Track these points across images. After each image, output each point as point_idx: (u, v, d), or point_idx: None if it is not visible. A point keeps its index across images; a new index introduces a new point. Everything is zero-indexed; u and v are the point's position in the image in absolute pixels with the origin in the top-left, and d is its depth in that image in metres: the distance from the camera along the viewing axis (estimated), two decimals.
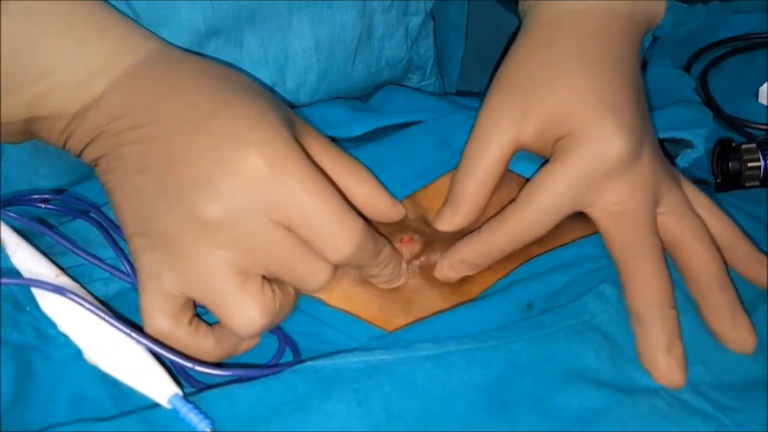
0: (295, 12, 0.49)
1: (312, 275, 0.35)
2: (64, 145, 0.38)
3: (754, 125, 0.56)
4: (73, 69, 0.36)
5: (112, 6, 0.40)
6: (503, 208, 0.40)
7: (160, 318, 0.35)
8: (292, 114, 0.39)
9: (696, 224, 0.40)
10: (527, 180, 0.40)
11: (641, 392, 0.35)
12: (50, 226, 0.40)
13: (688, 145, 0.48)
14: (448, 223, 0.42)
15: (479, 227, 0.40)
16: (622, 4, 0.43)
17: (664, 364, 0.36)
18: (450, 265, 0.40)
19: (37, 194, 0.42)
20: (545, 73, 0.40)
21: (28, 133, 0.40)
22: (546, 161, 0.40)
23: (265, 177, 0.34)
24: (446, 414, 0.33)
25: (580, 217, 0.40)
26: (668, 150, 0.50)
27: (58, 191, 0.49)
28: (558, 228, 0.39)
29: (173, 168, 0.34)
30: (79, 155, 0.38)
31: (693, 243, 0.39)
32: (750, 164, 0.50)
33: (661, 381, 0.36)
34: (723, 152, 0.52)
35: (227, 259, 0.34)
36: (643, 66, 0.64)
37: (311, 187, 0.34)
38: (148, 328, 0.34)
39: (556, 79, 0.40)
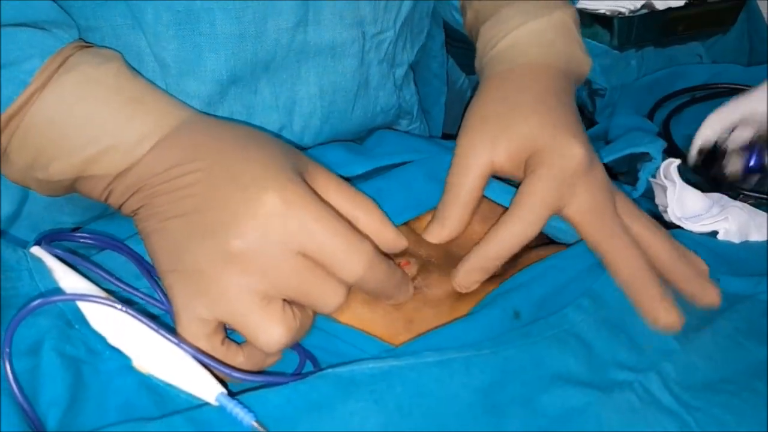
0: (303, 63, 0.53)
1: (327, 297, 0.39)
2: (106, 200, 0.42)
3: None
4: (124, 135, 0.41)
5: (141, 74, 0.44)
6: (490, 224, 0.45)
7: (195, 341, 0.38)
8: (304, 157, 0.43)
9: (646, 217, 0.46)
10: (498, 203, 0.46)
11: (617, 387, 0.39)
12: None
13: (647, 159, 0.53)
14: (436, 235, 0.47)
15: (481, 239, 0.45)
16: (557, 60, 0.51)
17: (664, 309, 0.42)
18: (466, 272, 0.44)
19: (72, 232, 0.45)
20: (508, 115, 0.47)
21: (70, 189, 0.44)
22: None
23: (281, 213, 0.38)
24: (449, 412, 0.37)
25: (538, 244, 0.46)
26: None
27: (75, 229, 0.52)
28: (523, 253, 0.45)
29: (204, 212, 0.39)
30: (119, 208, 0.42)
31: (649, 233, 0.46)
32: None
33: (664, 324, 0.42)
34: (709, 158, 0.57)
35: (252, 286, 0.37)
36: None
37: (320, 218, 0.38)
38: None
39: (518, 119, 0.47)
